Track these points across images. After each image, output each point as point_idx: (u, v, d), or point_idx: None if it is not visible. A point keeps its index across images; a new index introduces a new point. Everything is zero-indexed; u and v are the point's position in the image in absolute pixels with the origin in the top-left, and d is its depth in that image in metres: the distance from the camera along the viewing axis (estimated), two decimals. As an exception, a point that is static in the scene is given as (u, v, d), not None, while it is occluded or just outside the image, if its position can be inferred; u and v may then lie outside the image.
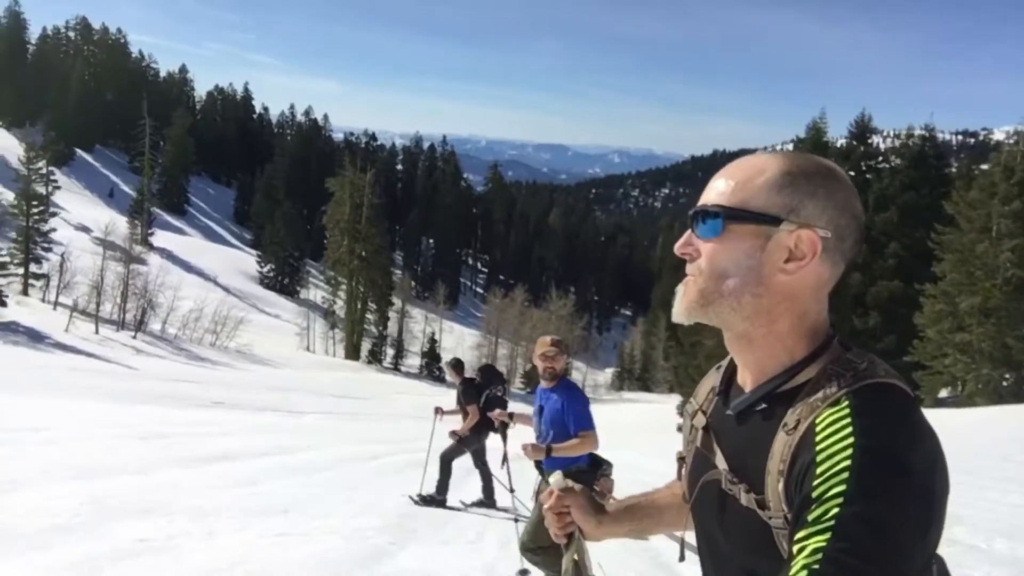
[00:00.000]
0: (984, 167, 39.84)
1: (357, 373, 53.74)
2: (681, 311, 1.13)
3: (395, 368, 61.43)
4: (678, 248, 1.14)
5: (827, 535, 0.87)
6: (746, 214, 1.07)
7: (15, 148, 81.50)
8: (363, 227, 60.35)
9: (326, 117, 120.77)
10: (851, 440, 0.92)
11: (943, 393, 34.65)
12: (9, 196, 55.26)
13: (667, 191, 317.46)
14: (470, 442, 8.44)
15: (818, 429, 0.97)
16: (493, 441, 7.85)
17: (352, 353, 61.36)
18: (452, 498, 8.67)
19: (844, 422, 0.95)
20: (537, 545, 4.50)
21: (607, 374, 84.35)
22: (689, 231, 1.12)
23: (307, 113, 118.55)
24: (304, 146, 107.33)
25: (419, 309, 74.15)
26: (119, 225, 76.67)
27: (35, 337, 38.35)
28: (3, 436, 9.70)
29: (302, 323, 64.22)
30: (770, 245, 1.06)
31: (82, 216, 77.14)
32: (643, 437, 23.18)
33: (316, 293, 79.26)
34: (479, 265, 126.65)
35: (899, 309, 36.31)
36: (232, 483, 8.48)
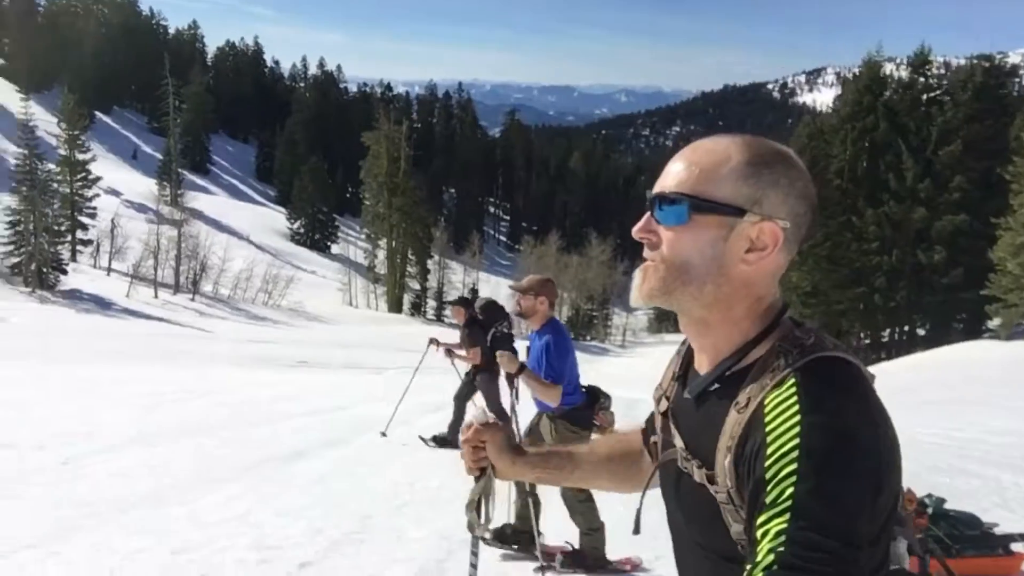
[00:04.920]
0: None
1: (406, 326, 53.91)
2: (640, 297, 1.13)
3: (439, 320, 61.70)
4: (637, 232, 1.13)
5: (787, 515, 0.89)
6: (712, 204, 1.06)
7: (38, 114, 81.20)
8: (400, 180, 60.04)
9: (339, 68, 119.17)
10: (798, 418, 0.94)
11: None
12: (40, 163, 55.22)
13: (678, 129, 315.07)
14: (493, 383, 8.14)
15: (767, 408, 0.99)
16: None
17: (395, 307, 61.62)
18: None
19: (791, 400, 0.97)
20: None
21: (639, 317, 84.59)
22: (648, 214, 1.11)
23: (321, 65, 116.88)
24: (321, 99, 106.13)
25: (455, 261, 74.18)
26: (149, 187, 76.83)
27: (102, 304, 38.63)
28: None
29: (342, 279, 64.39)
30: (733, 236, 1.07)
31: (109, 179, 76.82)
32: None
33: (348, 248, 79.23)
34: (501, 213, 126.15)
35: (965, 243, 36.23)
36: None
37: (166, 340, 28.36)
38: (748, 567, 0.91)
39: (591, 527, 4.50)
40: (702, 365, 1.16)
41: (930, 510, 4.21)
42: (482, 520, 1.57)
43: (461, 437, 1.54)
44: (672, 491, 1.19)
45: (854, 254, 38.42)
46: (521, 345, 7.74)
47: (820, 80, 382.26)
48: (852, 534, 0.89)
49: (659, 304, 1.12)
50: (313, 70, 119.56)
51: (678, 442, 1.17)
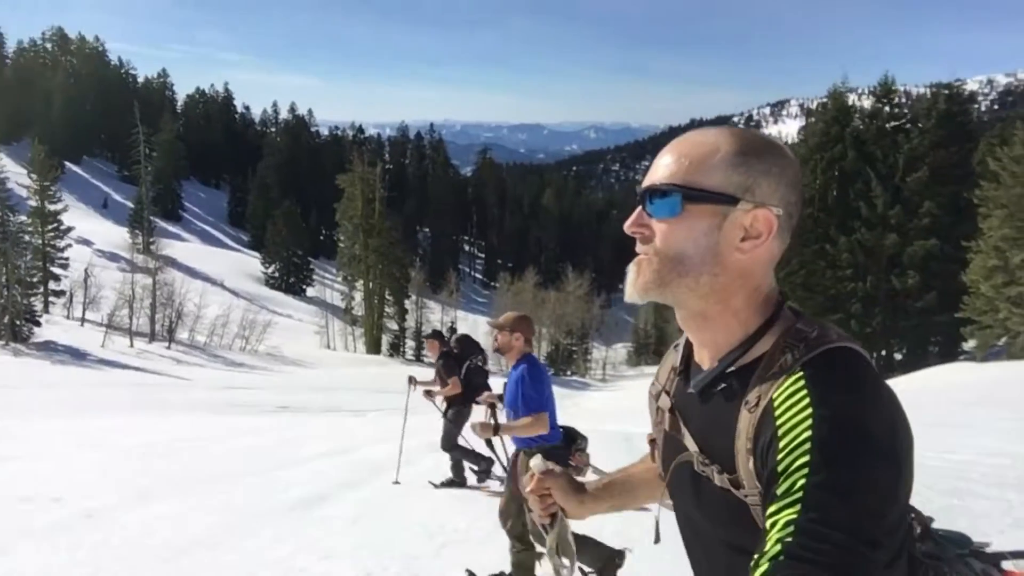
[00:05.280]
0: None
1: (385, 367, 53.64)
2: (635, 291, 1.13)
3: (418, 359, 61.46)
4: (629, 227, 1.12)
5: (797, 507, 0.88)
6: (704, 194, 1.06)
7: (8, 165, 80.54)
8: (376, 221, 60.15)
9: (310, 112, 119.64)
10: (809, 411, 0.93)
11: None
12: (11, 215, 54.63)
13: (647, 163, 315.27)
14: (461, 417, 8.17)
15: (776, 403, 0.98)
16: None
17: (373, 348, 61.29)
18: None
19: (800, 394, 0.96)
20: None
21: (619, 351, 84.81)
22: (640, 209, 1.11)
23: (292, 110, 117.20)
24: (292, 143, 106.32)
25: (432, 300, 74.13)
26: (121, 236, 76.21)
27: (76, 355, 38.05)
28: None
29: (319, 321, 64.04)
30: (726, 224, 1.07)
31: (80, 229, 76.14)
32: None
33: (323, 290, 78.96)
34: (475, 251, 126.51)
35: (937, 267, 36.90)
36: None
37: (145, 389, 28.04)
38: (755, 556, 0.90)
39: (604, 557, 4.50)
40: (703, 359, 1.17)
41: (917, 530, 4.24)
42: (565, 563, 1.56)
43: (525, 489, 1.53)
44: (689, 494, 1.17)
45: (829, 281, 38.94)
46: (498, 382, 7.81)
47: (784, 112, 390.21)
48: (863, 527, 0.87)
49: (654, 298, 1.12)
50: (284, 114, 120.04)
51: (690, 445, 1.16)
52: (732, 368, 1.09)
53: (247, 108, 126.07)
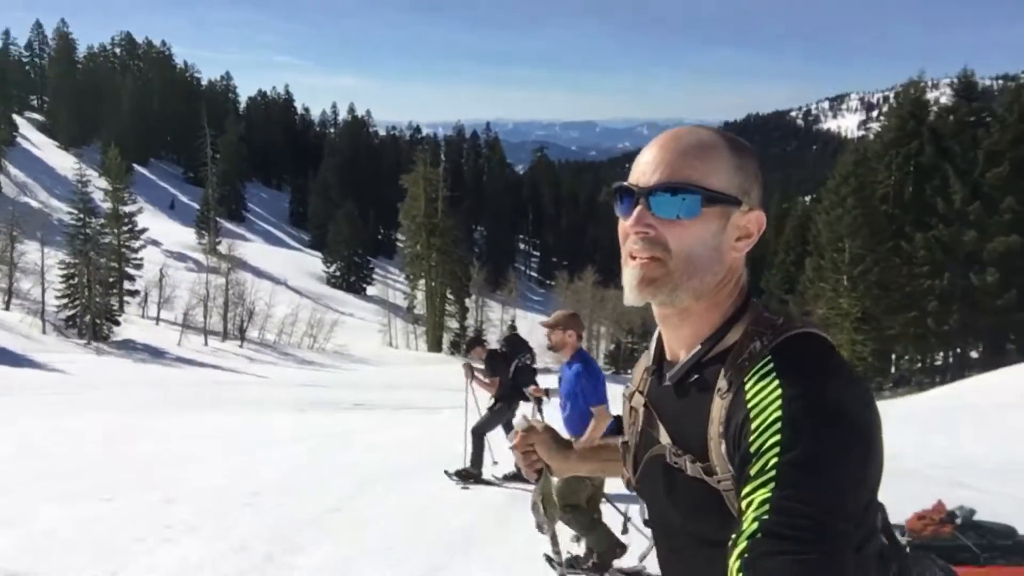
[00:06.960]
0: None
1: (447, 365, 54.04)
2: (640, 294, 1.12)
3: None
4: (634, 226, 1.10)
5: (771, 485, 0.90)
6: (721, 196, 1.09)
7: (74, 167, 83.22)
8: (439, 220, 60.73)
9: (369, 113, 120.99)
10: (779, 392, 0.96)
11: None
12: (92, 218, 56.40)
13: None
14: (502, 413, 8.13)
15: (747, 387, 1.00)
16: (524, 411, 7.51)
17: (434, 346, 61.87)
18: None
19: (770, 377, 0.99)
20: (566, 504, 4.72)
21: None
22: (640, 208, 1.10)
23: (351, 111, 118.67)
24: (351, 144, 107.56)
25: (491, 299, 74.49)
26: (188, 236, 78.16)
27: (155, 353, 39.24)
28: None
29: (381, 320, 64.82)
30: (729, 225, 1.11)
31: (150, 230, 78.39)
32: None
33: (384, 289, 79.84)
34: (531, 249, 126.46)
35: (1018, 263, 35.92)
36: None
37: (229, 387, 28.68)
38: (734, 536, 0.91)
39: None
40: (678, 354, 1.19)
41: (959, 520, 4.25)
42: (547, 519, 1.67)
43: (510, 446, 1.60)
44: (661, 488, 1.18)
45: (904, 279, 38.10)
46: (550, 378, 7.84)
47: (844, 106, 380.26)
48: (836, 504, 0.89)
49: (659, 299, 1.12)
50: (343, 115, 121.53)
51: (664, 438, 1.17)
52: (706, 359, 1.13)
53: (307, 109, 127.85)
